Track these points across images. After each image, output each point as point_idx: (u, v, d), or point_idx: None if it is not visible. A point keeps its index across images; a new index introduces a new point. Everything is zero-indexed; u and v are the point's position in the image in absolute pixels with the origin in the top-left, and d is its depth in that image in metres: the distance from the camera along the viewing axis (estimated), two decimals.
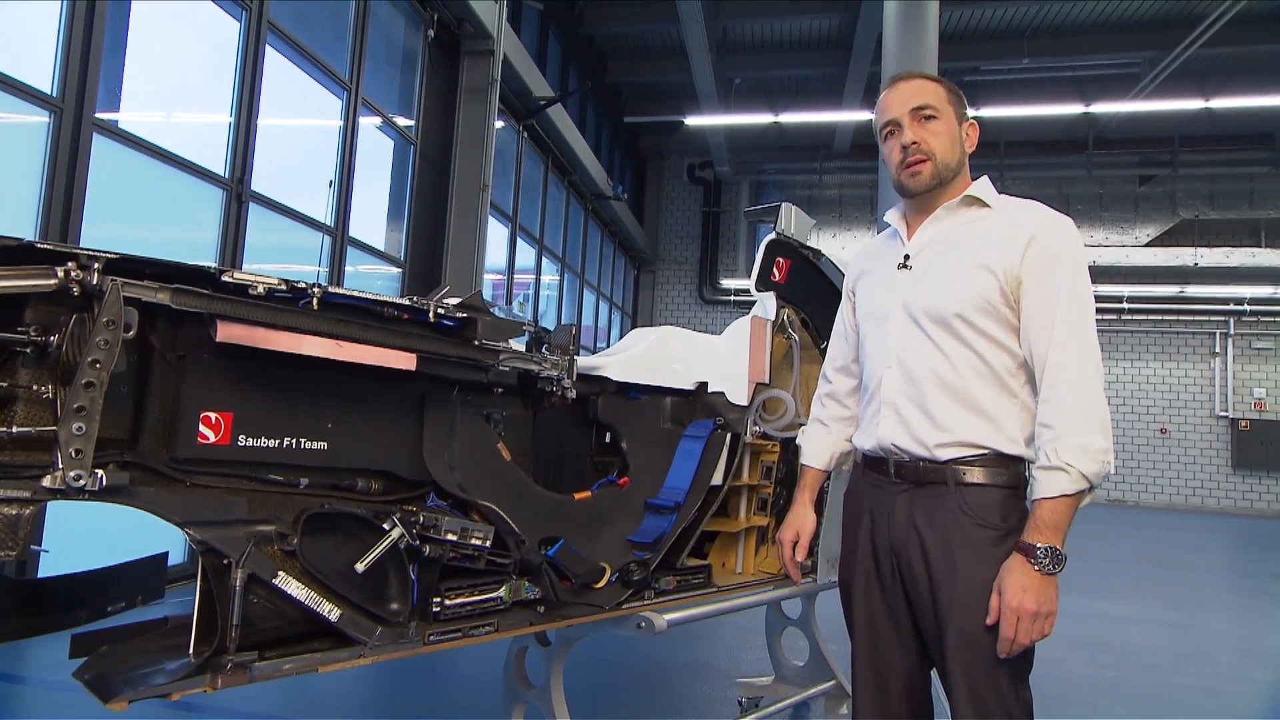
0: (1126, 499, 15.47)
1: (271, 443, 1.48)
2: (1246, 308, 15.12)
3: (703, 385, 2.47)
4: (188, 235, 5.09)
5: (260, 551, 1.37)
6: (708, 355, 2.49)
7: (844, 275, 2.81)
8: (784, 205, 2.59)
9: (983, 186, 1.63)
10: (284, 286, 1.37)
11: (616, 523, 2.15)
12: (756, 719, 2.70)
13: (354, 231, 6.68)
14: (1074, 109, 12.87)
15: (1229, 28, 9.99)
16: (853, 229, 16.31)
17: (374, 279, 7.27)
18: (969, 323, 1.51)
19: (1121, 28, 11.74)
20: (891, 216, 1.74)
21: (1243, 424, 15.03)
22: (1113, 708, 3.40)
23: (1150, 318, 15.62)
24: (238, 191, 5.16)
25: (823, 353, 2.73)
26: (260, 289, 1.34)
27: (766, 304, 2.52)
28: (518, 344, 2.09)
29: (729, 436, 2.32)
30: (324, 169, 6.36)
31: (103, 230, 4.25)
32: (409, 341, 1.55)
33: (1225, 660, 4.30)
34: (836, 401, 1.87)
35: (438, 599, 1.60)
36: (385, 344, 1.50)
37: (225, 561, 1.33)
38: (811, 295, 2.70)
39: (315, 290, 1.39)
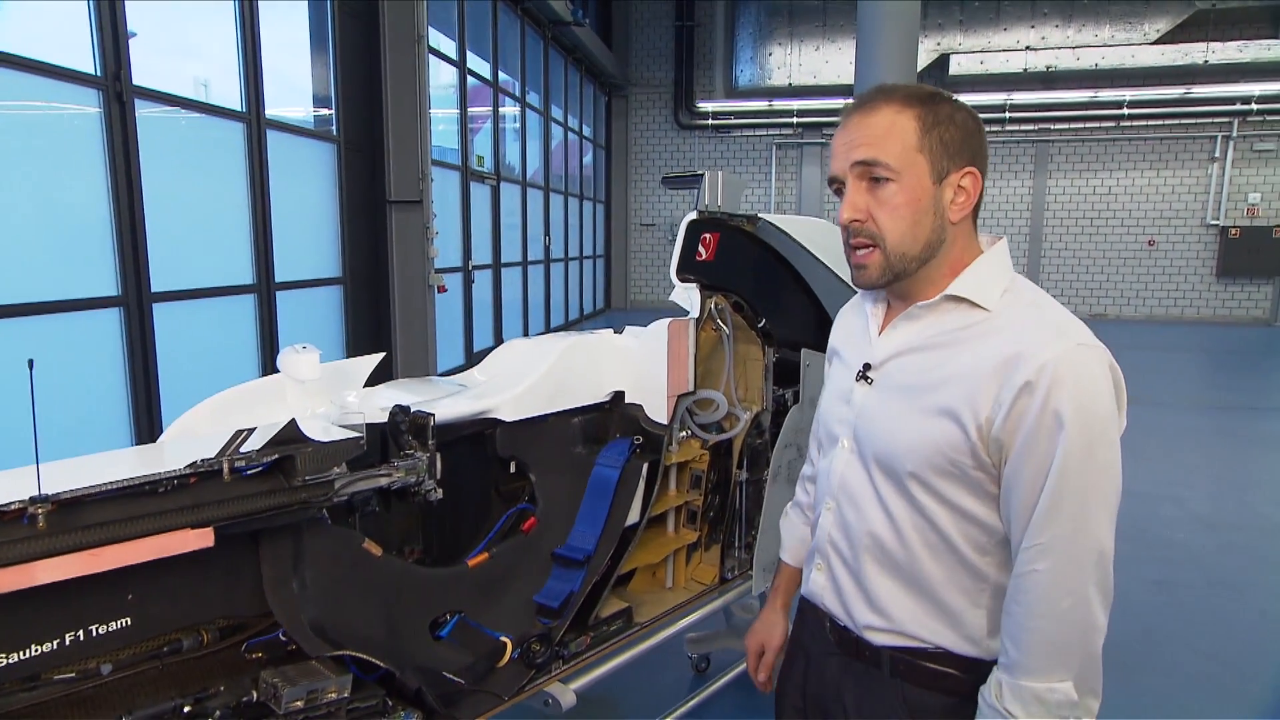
0: (1109, 312, 15.48)
1: (46, 647, 1.23)
2: (1254, 106, 14.25)
3: (619, 395, 2.19)
4: (63, 174, 4.42)
5: None
6: (621, 362, 2.18)
7: (787, 235, 2.44)
8: (707, 174, 2.17)
9: (980, 278, 1.12)
10: None
11: (521, 579, 1.95)
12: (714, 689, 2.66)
13: (273, 110, 5.98)
14: None
15: None
16: (837, 40, 14.99)
17: (304, 156, 6.60)
18: (925, 484, 1.12)
19: None
20: (865, 295, 1.29)
21: (1233, 231, 14.71)
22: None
23: (1150, 123, 14.77)
24: (116, 90, 4.49)
25: (760, 332, 2.41)
26: None
27: (691, 297, 2.17)
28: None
29: (646, 467, 2.06)
30: (224, 45, 5.56)
31: None
32: (202, 512, 1.26)
33: (1197, 582, 3.94)
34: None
35: None
36: (166, 528, 1.21)
37: None
38: (747, 268, 2.33)
39: (39, 509, 1.07)
